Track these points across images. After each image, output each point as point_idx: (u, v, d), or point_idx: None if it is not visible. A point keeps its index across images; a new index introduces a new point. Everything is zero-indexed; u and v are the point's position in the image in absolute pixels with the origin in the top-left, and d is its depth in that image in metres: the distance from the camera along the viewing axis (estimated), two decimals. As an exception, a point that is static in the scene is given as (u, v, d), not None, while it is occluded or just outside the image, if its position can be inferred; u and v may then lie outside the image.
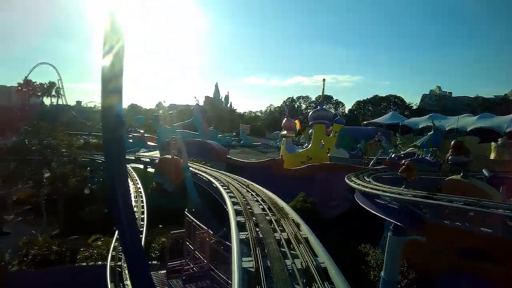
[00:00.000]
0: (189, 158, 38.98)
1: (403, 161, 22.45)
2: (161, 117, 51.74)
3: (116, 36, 7.18)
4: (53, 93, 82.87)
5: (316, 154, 31.74)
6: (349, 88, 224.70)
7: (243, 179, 20.24)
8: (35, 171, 27.91)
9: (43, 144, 28.75)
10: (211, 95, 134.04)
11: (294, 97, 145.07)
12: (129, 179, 28.37)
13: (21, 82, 72.78)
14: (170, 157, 27.73)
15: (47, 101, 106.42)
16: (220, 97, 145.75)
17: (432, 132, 37.08)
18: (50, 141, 28.96)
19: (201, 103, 68.94)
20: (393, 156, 34.39)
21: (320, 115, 32.79)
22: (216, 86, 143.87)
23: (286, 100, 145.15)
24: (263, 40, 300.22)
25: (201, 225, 13.32)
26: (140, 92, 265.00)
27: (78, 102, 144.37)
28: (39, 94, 78.26)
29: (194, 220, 13.62)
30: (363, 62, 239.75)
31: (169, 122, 58.54)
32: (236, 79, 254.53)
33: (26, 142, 28.71)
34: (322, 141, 32.47)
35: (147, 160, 34.78)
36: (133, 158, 37.64)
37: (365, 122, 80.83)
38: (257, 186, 17.14)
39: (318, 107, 34.72)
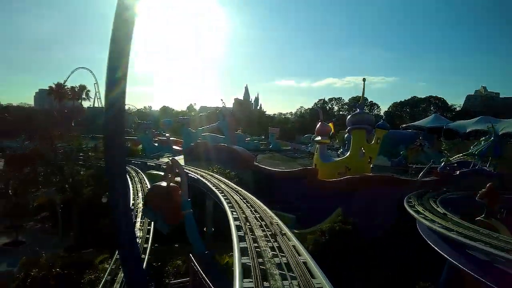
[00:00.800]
0: (214, 164, 36.23)
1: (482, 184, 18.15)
2: (187, 119, 49.35)
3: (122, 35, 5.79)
4: (83, 96, 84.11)
5: (355, 164, 27.64)
6: (382, 90, 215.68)
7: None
8: (46, 177, 26.00)
9: (55, 149, 26.90)
10: (241, 98, 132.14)
11: (326, 99, 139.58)
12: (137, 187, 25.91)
13: (53, 85, 73.90)
14: (165, 184, 19.39)
15: (86, 104, 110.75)
16: (250, 100, 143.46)
17: (492, 138, 31.88)
18: (60, 146, 27.09)
19: (230, 106, 66.47)
20: (443, 165, 29.68)
21: (360, 119, 28.61)
22: (246, 88, 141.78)
23: (318, 102, 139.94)
24: (295, 42, 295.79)
25: (208, 281, 9.85)
26: (173, 95, 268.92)
27: None
28: (70, 97, 79.46)
29: (200, 270, 10.28)
30: (398, 62, 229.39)
31: (198, 125, 56.35)
32: (266, 82, 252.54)
33: (38, 147, 27.02)
34: (362, 149, 28.30)
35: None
36: (153, 164, 35.21)
37: (403, 125, 74.73)
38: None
39: (358, 109, 30.53)
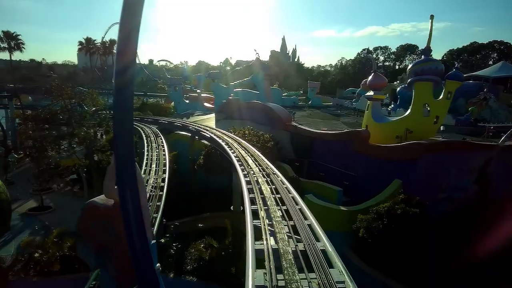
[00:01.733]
0: (247, 123, 32.27)
1: None
2: (218, 73, 44.84)
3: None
4: (114, 50, 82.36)
5: (418, 125, 22.24)
6: (432, 37, 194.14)
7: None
8: (57, 140, 23.43)
9: (68, 108, 24.08)
10: (278, 50, 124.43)
11: (370, 48, 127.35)
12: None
13: (82, 41, 72.12)
14: (105, 202, 9.08)
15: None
16: (287, 52, 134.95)
17: None
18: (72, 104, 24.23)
19: (266, 58, 60.68)
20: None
21: (426, 68, 22.60)
22: (283, 40, 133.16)
23: (361, 52, 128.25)
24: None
25: None
26: (208, 49, 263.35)
27: (150, 61, 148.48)
28: (101, 52, 78.02)
29: None
30: (450, 5, 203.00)
31: (231, 80, 51.97)
32: (305, 33, 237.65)
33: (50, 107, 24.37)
34: (427, 106, 22.68)
35: (194, 128, 28.62)
36: (179, 125, 31.87)
37: (465, 75, 64.92)
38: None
39: (423, 56, 24.34)
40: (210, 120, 39.70)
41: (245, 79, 47.35)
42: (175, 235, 20.56)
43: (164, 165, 19.39)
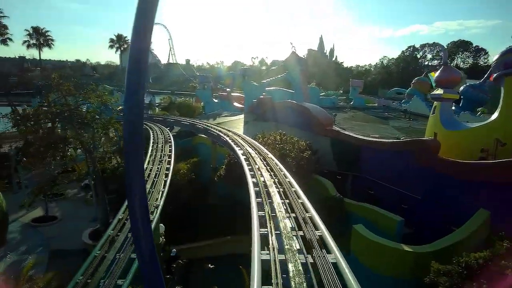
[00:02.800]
0: (280, 126, 27.62)
1: None
2: (248, 69, 40.30)
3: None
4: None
5: (512, 133, 16.38)
6: (481, 36, 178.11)
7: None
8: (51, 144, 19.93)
9: (69, 106, 20.58)
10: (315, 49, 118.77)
11: (417, 46, 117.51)
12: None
13: (114, 38, 71.01)
14: None
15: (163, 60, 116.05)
16: (325, 51, 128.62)
17: None
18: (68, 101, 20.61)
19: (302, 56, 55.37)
20: None
21: (521, 58, 16.69)
22: (321, 39, 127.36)
23: (406, 50, 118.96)
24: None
25: None
26: (245, 50, 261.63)
27: (187, 61, 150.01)
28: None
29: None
30: (500, 2, 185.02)
31: (265, 78, 47.49)
32: (342, 32, 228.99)
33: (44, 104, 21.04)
34: (522, 108, 16.70)
35: (216, 132, 24.30)
36: (201, 127, 27.69)
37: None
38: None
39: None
40: (238, 122, 35.40)
41: (279, 76, 42.60)
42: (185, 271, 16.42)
43: (164, 185, 15.04)
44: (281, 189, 11.63)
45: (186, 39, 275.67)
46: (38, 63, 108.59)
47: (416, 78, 46.96)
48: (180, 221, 21.46)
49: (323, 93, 55.29)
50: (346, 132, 23.90)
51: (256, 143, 19.68)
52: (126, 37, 76.67)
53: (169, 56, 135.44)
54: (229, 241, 20.36)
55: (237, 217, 19.77)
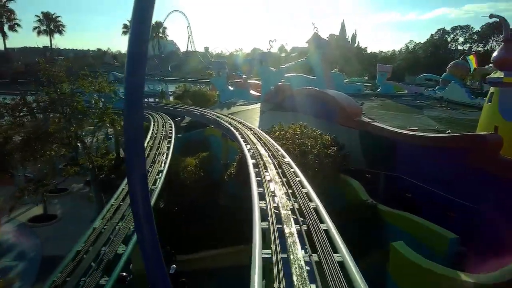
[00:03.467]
0: (300, 117, 24.51)
1: None
2: (264, 54, 36.81)
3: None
4: (160, 33, 79.68)
5: None
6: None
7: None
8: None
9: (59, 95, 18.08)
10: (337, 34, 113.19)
11: (447, 29, 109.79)
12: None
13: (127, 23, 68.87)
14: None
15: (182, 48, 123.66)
16: (347, 37, 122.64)
17: None
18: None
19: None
20: None
21: None
22: (343, 24, 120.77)
23: (435, 33, 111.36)
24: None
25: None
26: (263, 37, 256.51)
27: (206, 48, 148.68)
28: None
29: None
30: None
31: (283, 63, 43.95)
32: (364, 17, 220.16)
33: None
34: None
35: (225, 125, 21.37)
36: (211, 118, 24.77)
37: None
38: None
39: None
40: (253, 112, 32.38)
41: (299, 60, 39.03)
42: None
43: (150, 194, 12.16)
44: (304, 226, 7.70)
45: (205, 26, 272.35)
46: (60, 53, 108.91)
47: (452, 62, 42.30)
48: (186, 224, 18.92)
49: (346, 80, 51.23)
50: (378, 124, 20.46)
51: (272, 140, 16.50)
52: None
53: (188, 44, 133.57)
54: (242, 250, 17.60)
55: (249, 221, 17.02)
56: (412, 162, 17.82)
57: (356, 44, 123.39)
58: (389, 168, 18.90)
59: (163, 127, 22.78)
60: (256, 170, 11.60)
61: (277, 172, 11.52)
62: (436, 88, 42.01)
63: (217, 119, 23.38)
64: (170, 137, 19.68)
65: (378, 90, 44.10)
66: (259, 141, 16.04)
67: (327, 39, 35.35)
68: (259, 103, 35.18)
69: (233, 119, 23.16)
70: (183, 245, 16.82)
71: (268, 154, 13.73)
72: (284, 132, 18.94)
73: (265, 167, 11.97)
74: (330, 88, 30.06)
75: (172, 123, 24.77)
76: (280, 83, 32.57)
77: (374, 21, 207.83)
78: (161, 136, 19.85)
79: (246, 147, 14.44)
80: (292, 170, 11.80)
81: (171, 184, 22.62)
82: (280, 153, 14.01)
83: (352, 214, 15.63)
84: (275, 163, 12.61)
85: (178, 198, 20.17)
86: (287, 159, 13.11)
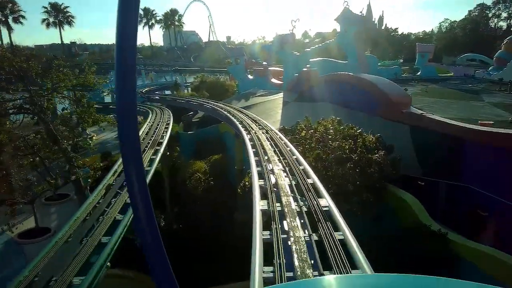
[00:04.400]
0: (330, 108, 20.14)
1: None
2: (287, 36, 31.94)
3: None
4: (176, 21, 76.41)
5: None
6: None
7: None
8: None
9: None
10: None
11: (488, 3, 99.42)
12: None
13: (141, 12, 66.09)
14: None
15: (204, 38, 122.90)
16: (373, 19, 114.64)
17: None
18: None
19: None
20: None
21: None
22: (369, 6, 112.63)
23: (474, 9, 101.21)
24: None
25: None
26: (285, 24, 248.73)
27: (228, 38, 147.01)
28: (163, 23, 73.08)
29: None
30: None
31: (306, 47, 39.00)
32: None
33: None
34: None
35: (236, 124, 17.15)
36: (225, 113, 20.64)
37: None
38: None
39: None
40: (275, 104, 28.08)
41: (327, 41, 34.00)
42: None
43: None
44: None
45: (227, 16, 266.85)
46: (86, 48, 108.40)
47: (508, 38, 35.88)
48: (192, 250, 15.21)
49: (379, 63, 45.60)
50: (436, 117, 15.75)
51: (296, 153, 11.71)
52: (153, 10, 71.12)
53: (209, 34, 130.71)
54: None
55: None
56: (488, 169, 13.22)
57: (383, 27, 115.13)
58: (453, 175, 14.38)
59: (156, 128, 18.75)
60: (268, 236, 6.49)
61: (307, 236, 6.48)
62: (490, 68, 35.84)
63: (229, 115, 19.26)
64: (160, 145, 15.33)
65: (418, 74, 38.37)
66: (278, 155, 11.32)
67: (361, 14, 30.10)
68: (281, 93, 30.83)
69: (247, 116, 18.95)
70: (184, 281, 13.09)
71: (290, 186, 8.82)
72: (312, 131, 14.67)
73: (285, 211, 7.32)
74: (366, 72, 25.25)
75: (170, 122, 20.98)
76: (305, 69, 28.03)
77: (398, 2, 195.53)
78: (149, 142, 15.69)
79: (256, 168, 9.71)
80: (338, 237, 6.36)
81: (177, 194, 19.12)
82: (309, 181, 8.82)
83: (408, 244, 11.37)
84: (303, 210, 7.46)
85: (182, 217, 16.53)
86: (324, 201, 7.72)
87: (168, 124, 20.10)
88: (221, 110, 21.63)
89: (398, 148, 15.35)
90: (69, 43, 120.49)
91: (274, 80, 39.24)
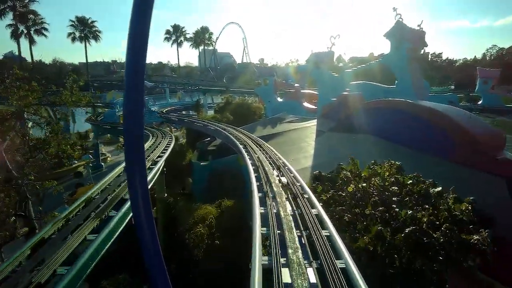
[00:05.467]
0: (379, 144, 15.12)
1: None
2: (322, 54, 27.31)
3: None
4: (206, 39, 74.73)
5: None
6: None
7: None
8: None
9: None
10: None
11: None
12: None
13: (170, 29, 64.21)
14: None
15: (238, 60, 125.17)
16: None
17: None
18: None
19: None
20: None
21: None
22: (420, 25, 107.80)
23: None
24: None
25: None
26: (320, 47, 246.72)
27: (261, 60, 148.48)
28: (192, 41, 71.45)
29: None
30: None
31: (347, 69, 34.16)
32: (429, 25, 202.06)
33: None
34: None
35: (248, 165, 12.38)
36: (240, 142, 16.09)
37: None
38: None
39: None
40: (306, 133, 23.24)
41: (372, 62, 29.04)
42: None
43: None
44: None
45: (261, 38, 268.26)
46: (123, 66, 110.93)
47: None
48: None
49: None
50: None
51: (330, 224, 6.72)
52: (183, 27, 69.05)
53: (243, 56, 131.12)
54: None
55: None
56: None
57: (422, 52, 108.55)
58: None
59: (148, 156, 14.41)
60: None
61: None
62: None
63: (246, 143, 14.63)
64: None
65: (479, 103, 32.34)
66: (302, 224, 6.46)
67: (419, 28, 24.98)
68: (315, 120, 26.04)
69: (265, 151, 14.19)
70: None
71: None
72: (364, 184, 9.71)
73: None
74: (422, 98, 20.02)
75: (167, 152, 16.77)
76: (346, 93, 23.22)
77: (440, 29, 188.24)
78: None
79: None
80: None
81: (180, 245, 14.57)
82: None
83: None
84: None
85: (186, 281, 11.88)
86: None
87: (160, 156, 15.96)
88: (235, 139, 17.10)
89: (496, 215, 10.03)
90: (109, 61, 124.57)
91: (307, 105, 34.52)
